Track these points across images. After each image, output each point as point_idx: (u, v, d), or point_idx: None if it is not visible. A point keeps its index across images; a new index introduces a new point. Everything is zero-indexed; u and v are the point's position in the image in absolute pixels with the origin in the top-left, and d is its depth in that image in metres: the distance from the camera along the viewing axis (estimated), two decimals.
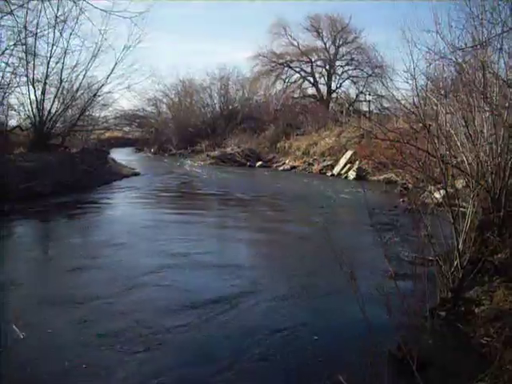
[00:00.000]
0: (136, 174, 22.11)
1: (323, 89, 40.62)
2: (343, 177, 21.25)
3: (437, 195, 6.85)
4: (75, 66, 19.89)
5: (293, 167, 25.57)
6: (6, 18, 13.18)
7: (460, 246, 5.46)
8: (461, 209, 5.80)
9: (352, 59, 39.48)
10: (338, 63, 40.14)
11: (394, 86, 9.56)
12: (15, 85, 18.31)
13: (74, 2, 9.69)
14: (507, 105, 6.71)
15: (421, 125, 6.51)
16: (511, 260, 6.05)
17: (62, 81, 19.57)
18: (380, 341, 3.78)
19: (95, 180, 17.86)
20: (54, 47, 18.60)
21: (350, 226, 11.21)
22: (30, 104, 18.87)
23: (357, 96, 39.48)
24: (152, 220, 11.58)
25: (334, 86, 40.55)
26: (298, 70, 40.90)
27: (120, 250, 8.61)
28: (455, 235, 5.54)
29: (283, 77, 40.84)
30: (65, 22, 17.66)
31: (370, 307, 3.66)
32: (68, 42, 18.83)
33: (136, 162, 27.69)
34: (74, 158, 18.88)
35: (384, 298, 3.75)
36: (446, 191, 5.78)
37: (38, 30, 17.12)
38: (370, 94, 37.94)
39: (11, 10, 10.91)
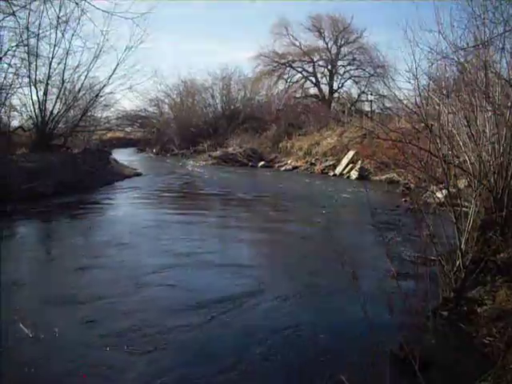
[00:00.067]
0: (138, 175, 22.12)
1: (325, 89, 40.69)
2: (345, 177, 21.23)
3: (439, 195, 6.84)
4: (77, 66, 19.99)
5: (295, 167, 25.55)
6: (8, 18, 13.23)
7: (462, 246, 5.45)
8: (463, 208, 5.79)
9: (354, 59, 39.50)
10: (339, 63, 40.19)
11: (396, 86, 9.55)
12: (17, 86, 18.39)
13: (76, 3, 9.69)
14: (509, 104, 6.69)
15: (423, 125, 6.50)
16: None
17: (64, 81, 19.65)
18: (382, 340, 3.78)
19: (97, 180, 17.88)
20: (56, 48, 18.71)
21: (352, 226, 11.20)
22: (33, 105, 18.94)
23: (359, 96, 39.52)
24: (154, 220, 11.59)
25: (335, 85, 40.63)
26: (299, 69, 40.95)
27: (123, 249, 8.63)
28: (457, 235, 5.53)
29: (285, 77, 40.91)
30: (67, 22, 17.71)
31: (371, 307, 3.66)
32: (70, 42, 18.95)
33: (138, 163, 27.72)
34: (76, 158, 18.90)
35: (386, 298, 3.74)
36: (448, 191, 5.78)
37: (40, 31, 17.20)
38: (371, 94, 37.98)
39: (13, 11, 10.95)
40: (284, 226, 11.32)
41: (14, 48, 16.75)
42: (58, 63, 19.19)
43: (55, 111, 19.55)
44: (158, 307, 5.84)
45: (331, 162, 23.62)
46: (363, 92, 39.29)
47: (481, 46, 6.81)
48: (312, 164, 24.86)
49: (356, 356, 4.41)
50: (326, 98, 39.43)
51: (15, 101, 19.34)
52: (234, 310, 5.68)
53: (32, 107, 18.97)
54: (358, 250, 8.49)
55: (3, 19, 13.40)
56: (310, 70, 40.59)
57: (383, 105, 34.03)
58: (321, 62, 40.44)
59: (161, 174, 23.03)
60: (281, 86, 40.73)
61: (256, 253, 9.14)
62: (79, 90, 20.52)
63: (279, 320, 5.44)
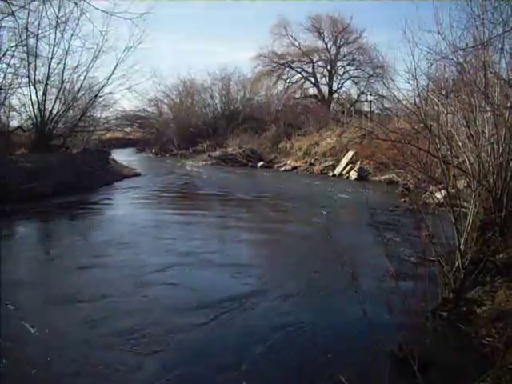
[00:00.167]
0: (137, 175, 22.11)
1: (324, 89, 40.70)
2: (344, 177, 21.23)
3: (438, 195, 6.85)
4: (76, 66, 20.03)
5: (294, 167, 25.54)
6: (7, 19, 13.25)
7: (461, 246, 5.45)
8: (462, 209, 5.79)
9: (353, 59, 39.51)
10: (339, 63, 40.19)
11: (396, 87, 9.58)
12: (17, 86, 18.44)
13: (75, 3, 9.69)
14: (508, 105, 6.70)
15: (422, 125, 6.51)
16: None
17: (63, 82, 19.66)
18: (381, 340, 3.78)
19: (96, 181, 17.88)
20: (56, 48, 18.73)
21: (352, 226, 11.20)
22: (32, 105, 18.98)
23: (358, 96, 39.54)
24: (154, 220, 11.60)
25: (335, 86, 40.64)
26: (299, 70, 40.97)
27: (124, 249, 8.66)
28: (457, 235, 5.53)
29: (284, 77, 40.94)
30: (66, 23, 17.74)
31: (371, 307, 3.66)
32: (69, 42, 19.00)
33: (137, 163, 27.71)
34: (76, 158, 18.90)
35: (385, 298, 3.74)
36: (448, 191, 5.78)
37: (40, 31, 17.19)
38: (371, 95, 38.01)
39: (12, 11, 10.93)
40: (284, 227, 11.32)
41: (13, 48, 16.79)
42: (58, 63, 19.23)
43: (54, 111, 19.57)
44: (160, 306, 5.87)
45: (330, 163, 23.61)
46: (362, 92, 39.36)
47: (480, 46, 6.81)
48: (311, 164, 24.85)
49: (355, 356, 4.42)
50: (326, 98, 39.45)
51: (14, 101, 19.43)
52: (234, 310, 5.69)
53: (31, 107, 19.05)
54: (357, 250, 8.49)
55: (2, 19, 13.46)
56: (310, 70, 40.63)
57: (382, 105, 34.07)
58: (320, 63, 40.48)
59: (160, 174, 23.02)
60: (280, 86, 40.82)
61: (256, 253, 9.14)
62: (78, 90, 20.55)
63: (279, 320, 5.45)
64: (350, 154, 22.43)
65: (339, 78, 40.62)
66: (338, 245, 4.28)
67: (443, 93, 7.29)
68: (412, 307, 4.06)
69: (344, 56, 39.86)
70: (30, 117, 19.40)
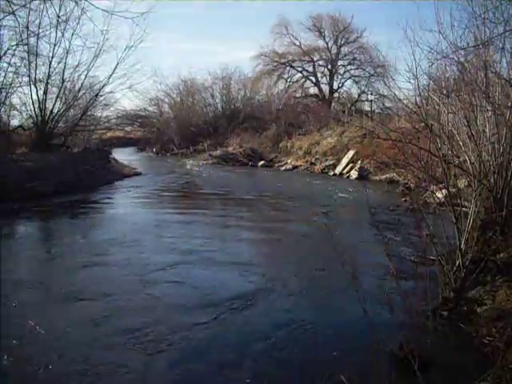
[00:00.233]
0: (138, 174, 22.12)
1: (325, 88, 40.75)
2: (345, 176, 21.22)
3: (439, 195, 6.85)
4: (77, 65, 20.03)
5: (295, 167, 25.54)
6: (8, 18, 13.26)
7: (462, 246, 5.45)
8: (463, 208, 5.79)
9: (354, 59, 39.55)
10: (339, 63, 40.25)
11: (396, 86, 9.54)
12: (17, 85, 18.46)
13: (76, 3, 9.73)
14: (509, 104, 6.69)
15: (423, 124, 6.50)
16: None
17: (63, 81, 19.68)
18: (382, 340, 3.79)
19: (97, 180, 17.89)
20: (56, 47, 18.77)
21: (352, 226, 11.20)
22: (32, 104, 18.99)
23: (359, 95, 39.56)
24: (155, 219, 11.60)
25: (335, 85, 40.70)
26: (300, 69, 41.03)
27: (127, 248, 8.68)
28: (457, 235, 5.54)
29: (285, 76, 41.00)
30: (67, 22, 17.75)
31: (372, 306, 3.67)
32: (70, 42, 18.95)
33: (138, 162, 27.71)
34: (76, 157, 18.91)
35: (386, 297, 3.75)
36: (448, 191, 5.78)
37: (40, 30, 17.23)
38: (372, 94, 38.03)
39: (13, 10, 10.94)
40: (284, 226, 11.32)
41: (13, 47, 16.83)
42: (58, 62, 19.26)
43: (55, 110, 19.58)
44: (164, 304, 5.90)
45: (331, 162, 23.61)
46: (363, 92, 39.38)
47: (481, 45, 6.80)
48: (312, 164, 24.85)
49: (356, 355, 4.42)
50: (326, 97, 39.46)
51: (15, 100, 19.45)
52: (236, 309, 5.70)
53: (32, 106, 19.05)
54: (358, 249, 8.50)
55: (3, 18, 13.45)
56: (310, 69, 40.67)
57: (383, 104, 34.10)
58: (321, 62, 40.52)
59: (161, 174, 23.03)
60: (281, 85, 40.87)
61: (257, 252, 9.14)
62: (79, 90, 20.56)
63: (280, 318, 5.46)
64: (351, 153, 22.42)
65: (340, 77, 40.75)
66: (338, 244, 4.28)
67: (444, 92, 7.28)
68: (413, 306, 4.07)
69: (345, 55, 39.96)
70: (30, 116, 19.43)
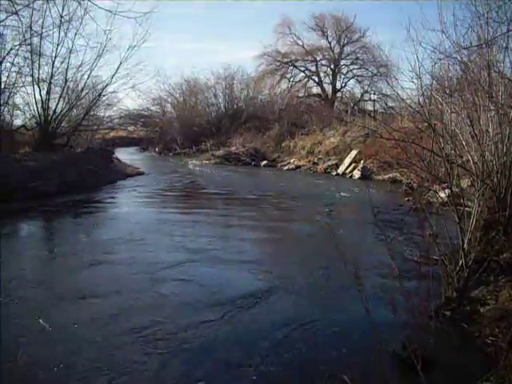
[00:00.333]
0: (141, 174, 22.13)
1: (328, 88, 40.75)
2: (348, 176, 21.20)
3: (442, 194, 6.84)
4: (80, 65, 20.03)
5: (298, 166, 25.52)
6: (11, 18, 13.27)
7: (465, 246, 5.45)
8: (466, 208, 5.78)
9: (357, 58, 39.51)
10: (342, 62, 40.24)
11: (399, 86, 9.51)
12: (20, 84, 18.50)
13: (79, 3, 9.77)
14: None
15: (426, 124, 6.50)
16: None
17: (66, 80, 19.70)
18: (385, 340, 3.78)
19: (100, 179, 17.92)
20: (59, 47, 18.75)
21: (355, 225, 11.19)
22: (35, 103, 18.98)
23: (362, 95, 39.52)
24: (159, 219, 11.62)
25: (338, 85, 40.63)
26: (302, 69, 41.03)
27: (132, 246, 8.71)
28: (460, 235, 5.53)
29: (288, 76, 41.00)
30: (70, 22, 17.80)
31: (374, 306, 3.67)
32: (73, 41, 18.97)
33: (141, 162, 27.74)
34: (79, 157, 18.95)
35: (389, 297, 3.74)
36: (451, 190, 5.77)
37: (43, 30, 17.30)
38: (374, 93, 38.00)
39: (16, 11, 10.98)
40: (287, 225, 11.34)
41: (17, 47, 16.87)
42: (61, 62, 19.25)
43: (58, 110, 19.59)
44: (174, 303, 5.94)
45: (334, 162, 23.59)
46: (366, 91, 39.33)
47: (484, 45, 6.79)
48: (315, 163, 24.83)
49: (359, 355, 4.42)
50: (329, 97, 39.44)
51: (18, 100, 19.48)
52: (242, 307, 5.72)
53: (35, 106, 19.06)
54: (360, 249, 8.50)
55: (6, 18, 13.45)
56: (313, 69, 40.69)
57: (386, 104, 34.06)
58: (324, 62, 40.53)
59: (163, 173, 23.05)
60: (284, 85, 40.87)
61: (260, 251, 9.13)
62: (82, 89, 20.57)
63: (283, 318, 5.46)
64: (354, 153, 22.40)
65: (343, 76, 40.72)
66: (341, 243, 4.27)
67: (447, 92, 7.27)
68: (415, 306, 4.06)
69: (347, 55, 39.93)
70: (33, 115, 19.47)
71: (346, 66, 40.37)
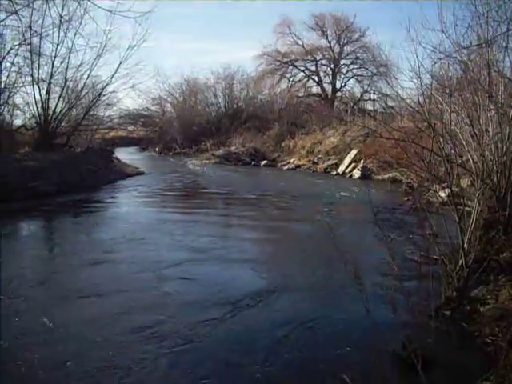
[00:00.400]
0: (140, 173, 22.13)
1: (328, 88, 40.70)
2: (348, 176, 21.20)
3: (442, 194, 6.84)
4: (80, 65, 20.03)
5: (297, 166, 25.53)
6: (11, 17, 13.22)
7: (465, 245, 5.44)
8: (466, 208, 5.78)
9: (357, 58, 39.49)
10: (342, 62, 40.21)
11: (399, 85, 9.58)
12: (20, 84, 18.48)
13: (79, 3, 9.76)
14: None
15: (426, 124, 6.50)
16: None
17: (66, 80, 19.71)
18: (385, 339, 3.78)
19: (100, 179, 17.92)
20: (59, 47, 18.75)
21: (355, 225, 11.18)
22: (35, 103, 18.98)
23: (361, 95, 39.50)
24: (159, 219, 11.62)
25: (338, 84, 40.59)
26: (302, 68, 40.98)
27: (133, 246, 8.74)
28: (460, 234, 5.53)
29: (288, 76, 40.95)
30: (69, 21, 17.75)
31: (374, 305, 3.66)
32: (73, 41, 18.95)
33: (141, 161, 27.73)
34: (79, 157, 18.95)
35: (389, 297, 3.74)
36: (451, 190, 5.77)
37: (43, 30, 17.25)
38: (374, 93, 37.94)
39: (16, 10, 10.96)
40: (288, 225, 11.35)
41: (16, 47, 16.86)
42: (61, 62, 19.25)
43: (58, 110, 19.58)
44: (176, 301, 5.98)
45: (334, 161, 23.58)
46: (366, 91, 39.31)
47: (484, 44, 6.79)
48: (314, 163, 24.83)
49: (359, 355, 4.42)
50: (329, 96, 39.42)
51: (18, 99, 19.47)
52: (243, 307, 5.74)
53: (35, 106, 19.07)
54: (360, 248, 8.50)
55: (6, 18, 13.41)
56: (313, 68, 40.65)
57: (386, 104, 33.99)
58: (323, 61, 40.49)
59: (163, 173, 23.04)
60: (283, 84, 40.82)
61: (261, 251, 9.16)
62: (82, 89, 20.57)
63: (284, 317, 5.48)
64: (354, 152, 22.40)
65: (342, 76, 40.68)
66: (341, 243, 4.28)
67: (447, 91, 7.26)
68: (415, 306, 4.06)
69: (347, 54, 39.89)
70: (33, 115, 19.47)
71: (346, 65, 40.40)
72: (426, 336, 4.20)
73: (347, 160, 22.39)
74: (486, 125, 6.86)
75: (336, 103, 39.14)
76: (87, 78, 20.52)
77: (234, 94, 39.08)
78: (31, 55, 17.76)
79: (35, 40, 17.53)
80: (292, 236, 10.32)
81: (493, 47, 6.95)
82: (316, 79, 40.88)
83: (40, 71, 18.60)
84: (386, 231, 7.75)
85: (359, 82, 40.03)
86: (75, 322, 5.24)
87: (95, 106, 21.88)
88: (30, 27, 16.00)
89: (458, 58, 7.55)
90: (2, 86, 17.31)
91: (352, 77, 40.32)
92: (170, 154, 35.56)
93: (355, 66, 39.88)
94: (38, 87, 18.78)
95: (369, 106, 36.82)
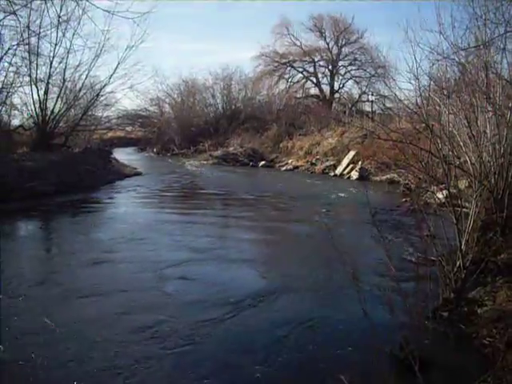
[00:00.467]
0: (138, 174, 22.11)
1: (326, 89, 40.71)
2: (346, 177, 21.21)
3: (439, 195, 6.86)
4: (78, 65, 20.04)
5: (295, 167, 25.53)
6: (9, 17, 13.19)
7: (463, 247, 5.45)
8: (464, 209, 5.79)
9: (355, 59, 39.53)
10: (340, 63, 40.23)
11: (397, 86, 9.52)
12: (18, 84, 18.46)
13: (77, 3, 9.72)
14: (510, 105, 6.70)
15: (423, 125, 6.50)
16: None
17: (64, 80, 19.72)
18: (382, 340, 3.79)
19: (98, 180, 17.90)
20: (57, 47, 18.77)
21: (353, 226, 11.19)
22: (33, 104, 19.00)
23: (359, 96, 39.49)
24: (157, 219, 11.60)
25: (336, 86, 40.64)
26: (300, 69, 41.00)
27: (133, 245, 8.78)
28: (458, 235, 5.53)
29: (286, 77, 40.94)
30: (68, 22, 17.71)
31: (372, 307, 3.67)
32: (71, 41, 18.93)
33: (139, 162, 27.70)
34: (77, 157, 18.92)
35: (386, 298, 3.75)
36: (449, 191, 5.77)
37: (41, 30, 17.24)
38: (372, 94, 37.95)
39: (14, 10, 10.92)
40: (286, 226, 11.35)
41: (14, 47, 16.81)
42: (59, 62, 19.27)
43: (56, 110, 19.59)
44: (177, 301, 6.02)
45: (332, 162, 23.59)
46: (364, 92, 39.33)
47: (482, 46, 6.81)
48: (313, 164, 24.84)
49: (356, 356, 4.42)
50: (327, 98, 39.44)
51: (16, 100, 19.46)
52: (240, 307, 5.74)
53: (33, 106, 19.08)
54: (358, 250, 8.50)
55: (4, 18, 13.37)
56: (311, 70, 40.65)
57: (384, 105, 34.00)
58: (322, 62, 40.49)
59: (161, 174, 23.03)
60: (282, 85, 40.80)
61: (260, 252, 9.16)
62: (80, 89, 20.57)
63: (281, 318, 5.48)
64: (352, 153, 22.41)
65: (341, 77, 40.69)
66: (339, 244, 4.28)
67: (445, 93, 7.29)
68: (413, 307, 4.06)
69: (346, 56, 39.93)
70: (31, 115, 19.45)
71: (344, 66, 40.41)
72: (423, 337, 4.21)
73: (345, 161, 22.40)
74: (484, 126, 6.88)
75: (334, 104, 39.16)
76: (85, 78, 20.57)
77: (232, 94, 39.05)
78: (29, 55, 17.76)
79: (33, 40, 17.55)
80: (290, 237, 10.32)
81: (490, 49, 6.99)
82: (314, 80, 40.90)
83: (38, 71, 18.64)
84: (384, 232, 7.79)
85: (357, 83, 40.10)
86: (75, 322, 5.24)
87: (93, 106, 21.87)
88: (28, 27, 16.01)
89: (456, 59, 7.57)
90: (0, 86, 17.31)
91: (350, 78, 40.40)
92: (168, 154, 35.53)
93: (353, 68, 39.96)
94: (36, 87, 18.82)
95: (367, 108, 36.80)
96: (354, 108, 35.58)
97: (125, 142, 40.28)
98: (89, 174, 17.67)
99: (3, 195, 12.22)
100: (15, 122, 19.97)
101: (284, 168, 25.82)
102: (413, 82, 7.05)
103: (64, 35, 18.56)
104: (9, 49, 16.71)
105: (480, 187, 5.96)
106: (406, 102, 8.41)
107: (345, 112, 33.05)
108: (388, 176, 18.82)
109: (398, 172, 17.09)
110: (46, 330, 5.01)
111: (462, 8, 7.31)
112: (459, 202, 5.83)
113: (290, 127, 30.86)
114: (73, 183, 15.79)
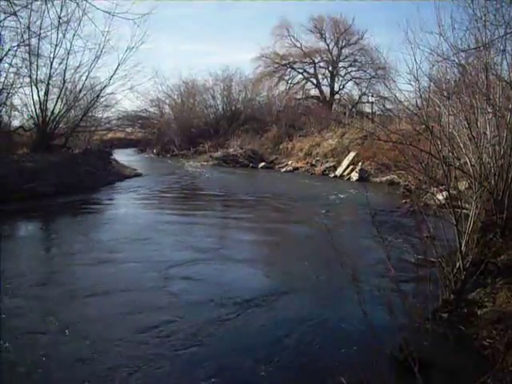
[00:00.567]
0: (138, 175, 22.09)
1: (326, 90, 40.76)
2: (346, 178, 21.21)
3: (439, 197, 6.85)
4: (78, 66, 20.02)
5: (295, 168, 25.53)
6: (9, 18, 13.21)
7: (463, 248, 5.45)
8: (463, 210, 5.79)
9: (355, 60, 39.56)
10: (340, 64, 40.27)
11: (397, 88, 9.62)
12: (18, 85, 18.44)
13: (77, 4, 9.68)
14: (510, 106, 6.70)
15: (423, 126, 6.51)
16: None
17: (65, 81, 19.69)
18: (382, 342, 3.78)
19: (98, 181, 17.90)
20: (57, 48, 18.75)
21: (353, 227, 11.19)
22: (33, 104, 18.97)
23: (360, 97, 39.52)
24: (157, 220, 11.60)
25: (336, 87, 40.68)
26: (300, 71, 41.03)
27: (133, 246, 8.81)
28: (458, 237, 5.53)
29: (286, 78, 41.01)
30: (68, 23, 17.64)
31: (372, 308, 3.66)
32: (71, 43, 18.92)
33: (139, 163, 27.69)
34: (77, 158, 18.90)
35: (386, 299, 3.75)
36: (449, 193, 5.78)
37: (42, 31, 17.20)
38: (372, 96, 37.91)
39: (14, 11, 10.93)
40: (286, 227, 11.36)
41: (15, 48, 16.80)
42: (59, 63, 19.25)
43: (56, 111, 19.58)
44: (182, 301, 6.06)
45: (332, 164, 23.60)
46: (364, 93, 39.35)
47: (482, 47, 6.81)
48: (312, 165, 24.84)
49: (356, 357, 4.42)
50: (327, 99, 39.47)
51: (16, 100, 19.48)
52: (242, 309, 5.75)
53: (33, 107, 19.05)
54: (358, 251, 8.50)
55: (4, 19, 13.40)
56: (311, 71, 40.70)
57: (384, 106, 34.04)
58: (322, 64, 40.54)
59: (161, 175, 23.03)
60: (282, 87, 40.87)
61: (260, 253, 9.18)
62: (80, 90, 20.56)
63: (282, 320, 5.50)
64: (352, 155, 22.41)
65: (341, 79, 40.74)
66: (339, 245, 4.28)
67: (445, 94, 7.29)
68: (412, 308, 4.06)
69: (346, 57, 39.96)
70: (31, 116, 19.43)
71: (344, 68, 40.45)
72: (423, 338, 4.20)
73: (345, 162, 22.40)
74: (484, 128, 6.88)
75: (334, 106, 39.20)
76: (85, 79, 20.55)
77: (232, 95, 39.05)
78: (29, 56, 17.75)
79: (34, 41, 17.51)
80: (290, 238, 10.32)
81: (490, 50, 6.99)
82: (314, 81, 40.93)
83: (38, 72, 18.62)
84: (384, 233, 7.77)
85: (357, 84, 40.14)
86: (79, 322, 5.26)
87: (93, 107, 21.86)
88: (29, 28, 15.99)
89: (456, 60, 7.58)
90: (0, 87, 17.29)
91: (350, 79, 40.43)
92: (168, 155, 35.51)
93: (353, 69, 40.01)
94: (37, 88, 18.80)
95: (367, 109, 36.78)
96: (354, 109, 35.59)
97: (125, 143, 40.28)
98: (89, 175, 17.67)
99: (3, 196, 12.22)
100: (15, 122, 20.01)
101: (284, 169, 25.82)
102: (413, 83, 7.07)
103: (64, 36, 18.57)
104: (9, 50, 16.73)
105: (480, 188, 5.96)
106: (406, 104, 8.42)
107: (345, 113, 33.11)
108: (388, 177, 18.81)
109: (398, 173, 17.09)
110: (48, 329, 5.03)
111: (462, 9, 7.32)
112: (459, 203, 5.84)
113: (290, 128, 30.86)
114: (73, 184, 15.79)
